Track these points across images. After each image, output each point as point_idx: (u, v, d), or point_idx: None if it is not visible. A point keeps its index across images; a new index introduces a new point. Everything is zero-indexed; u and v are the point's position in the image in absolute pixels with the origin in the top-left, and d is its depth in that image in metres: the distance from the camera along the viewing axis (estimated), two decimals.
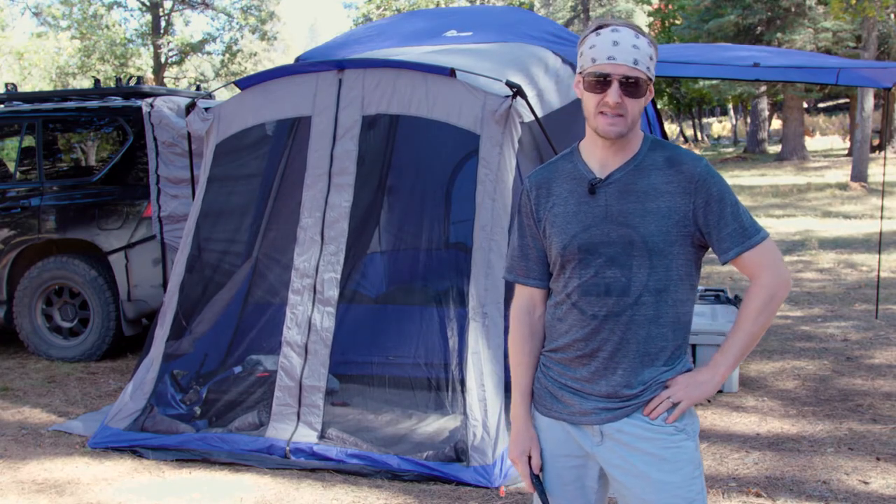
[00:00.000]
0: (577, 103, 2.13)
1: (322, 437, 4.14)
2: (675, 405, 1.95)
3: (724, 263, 2.00)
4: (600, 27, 1.92)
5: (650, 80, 1.93)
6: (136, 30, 32.58)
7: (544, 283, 2.10)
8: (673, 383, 1.97)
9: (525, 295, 2.12)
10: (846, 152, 25.28)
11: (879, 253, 8.26)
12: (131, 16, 49.47)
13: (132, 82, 6.88)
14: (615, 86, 1.87)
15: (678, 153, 1.98)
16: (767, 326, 1.99)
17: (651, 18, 35.36)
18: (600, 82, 1.88)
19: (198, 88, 10.30)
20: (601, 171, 1.98)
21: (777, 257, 1.97)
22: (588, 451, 2.02)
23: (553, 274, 2.06)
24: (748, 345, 1.98)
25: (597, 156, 1.99)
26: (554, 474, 2.08)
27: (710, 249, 2.01)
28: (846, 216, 13.96)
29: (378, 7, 34.35)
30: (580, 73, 1.95)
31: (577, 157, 2.03)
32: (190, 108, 4.81)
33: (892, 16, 20.19)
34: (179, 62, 32.53)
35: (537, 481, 2.10)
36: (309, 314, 4.27)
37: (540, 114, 4.27)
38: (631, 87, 1.88)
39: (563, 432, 2.05)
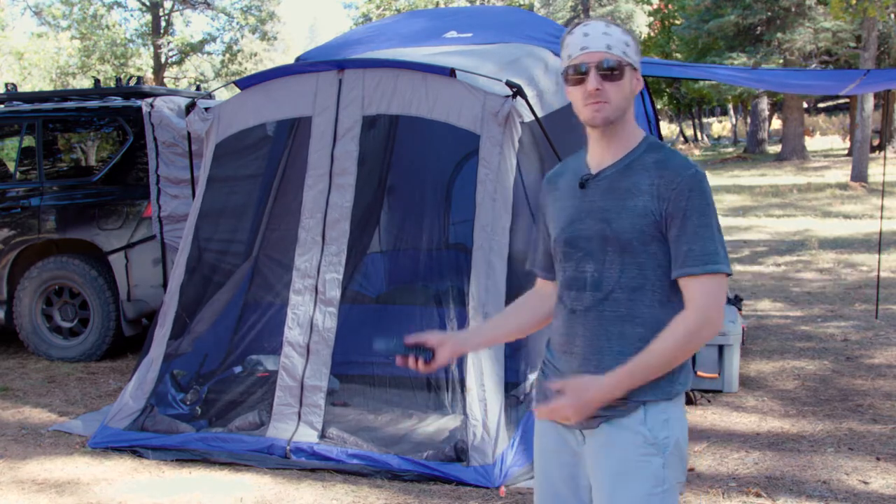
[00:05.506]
0: None
1: (322, 436, 4.14)
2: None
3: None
4: (573, 27, 1.98)
5: (633, 66, 1.94)
6: (136, 30, 32.65)
7: (548, 275, 2.18)
8: (566, 386, 1.89)
9: (538, 282, 2.24)
10: (846, 152, 25.26)
11: (879, 253, 8.26)
12: (131, 16, 49.48)
13: (132, 82, 6.87)
14: (592, 73, 1.90)
15: (671, 157, 1.93)
16: (681, 360, 1.90)
17: (651, 18, 35.36)
18: (579, 74, 1.93)
19: (198, 88, 10.29)
20: (597, 167, 2.00)
21: (714, 297, 1.87)
22: (576, 449, 2.03)
23: None
24: (655, 368, 1.87)
25: (594, 152, 2.02)
26: (548, 475, 2.10)
27: None
28: (846, 216, 13.96)
29: (378, 7, 34.38)
30: (563, 74, 1.99)
31: (584, 154, 2.07)
32: (190, 108, 4.80)
33: (892, 16, 20.19)
34: (179, 62, 32.55)
35: (414, 352, 2.09)
36: (311, 314, 4.27)
37: (540, 114, 4.26)
38: (609, 72, 1.90)
39: (556, 433, 2.06)
